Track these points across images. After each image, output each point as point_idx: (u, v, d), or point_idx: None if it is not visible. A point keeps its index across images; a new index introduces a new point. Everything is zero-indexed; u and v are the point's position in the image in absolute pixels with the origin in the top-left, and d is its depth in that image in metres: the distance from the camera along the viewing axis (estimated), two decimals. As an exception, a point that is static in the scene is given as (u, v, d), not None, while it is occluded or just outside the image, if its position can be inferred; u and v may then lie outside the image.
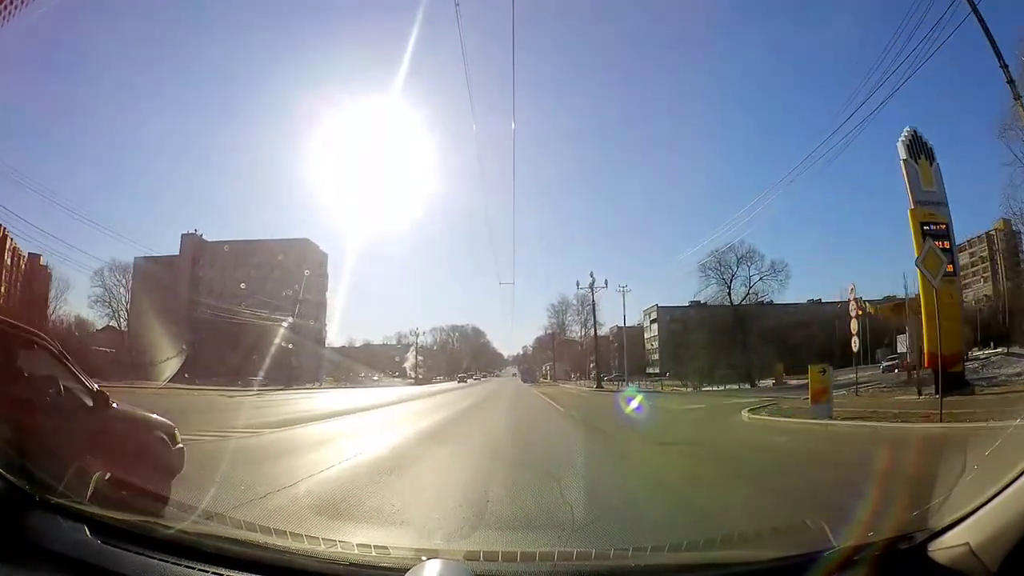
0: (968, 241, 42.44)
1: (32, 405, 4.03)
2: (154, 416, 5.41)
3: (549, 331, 64.09)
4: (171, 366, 30.89)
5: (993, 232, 41.68)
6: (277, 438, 10.98)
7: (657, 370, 51.54)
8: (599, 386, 43.97)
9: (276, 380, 38.41)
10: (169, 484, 4.75)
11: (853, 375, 19.03)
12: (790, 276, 40.89)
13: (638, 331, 55.36)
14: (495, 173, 79.65)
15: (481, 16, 41.86)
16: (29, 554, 2.02)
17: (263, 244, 50.82)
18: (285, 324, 42.35)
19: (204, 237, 52.29)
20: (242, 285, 48.08)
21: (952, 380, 15.06)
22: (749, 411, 15.23)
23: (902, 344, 23.82)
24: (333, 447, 9.70)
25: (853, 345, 18.41)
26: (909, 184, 17.81)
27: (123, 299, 48.48)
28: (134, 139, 66.75)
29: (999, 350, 28.27)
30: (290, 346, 42.74)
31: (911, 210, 17.63)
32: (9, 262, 38.86)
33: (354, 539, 3.01)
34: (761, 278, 40.14)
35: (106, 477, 2.89)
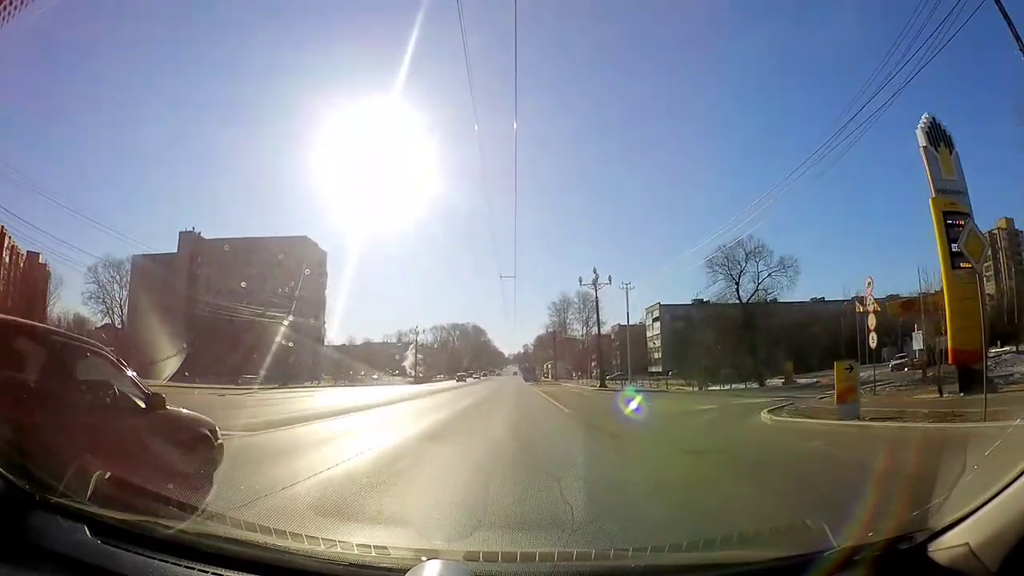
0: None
1: (91, 408, 4.56)
2: (198, 415, 5.89)
3: (550, 330, 64.06)
4: (170, 365, 30.85)
5: (996, 231, 41.62)
6: (272, 438, 10.98)
7: (659, 369, 51.25)
8: (603, 385, 43.30)
9: (273, 379, 38.28)
10: (213, 477, 5.27)
11: (863, 375, 18.89)
12: (799, 272, 39.41)
13: (640, 330, 55.15)
14: (495, 172, 79.57)
15: (481, 16, 41.83)
16: (29, 554, 2.02)
17: (262, 242, 50.74)
18: (283, 322, 42.34)
19: (202, 235, 52.25)
20: (243, 284, 48.05)
21: (975, 377, 14.48)
22: (768, 412, 14.37)
23: (917, 341, 23.23)
24: (332, 447, 9.70)
25: (871, 341, 17.74)
26: (929, 172, 17.08)
27: (117, 296, 48.40)
28: (133, 138, 66.53)
29: (1006, 348, 28.24)
30: (290, 344, 42.73)
31: (932, 199, 16.80)
32: (8, 260, 38.81)
33: (354, 539, 3.01)
34: (770, 274, 38.90)
35: (106, 476, 2.88)
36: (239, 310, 44.41)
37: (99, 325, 47.31)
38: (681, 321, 50.40)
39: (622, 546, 3.48)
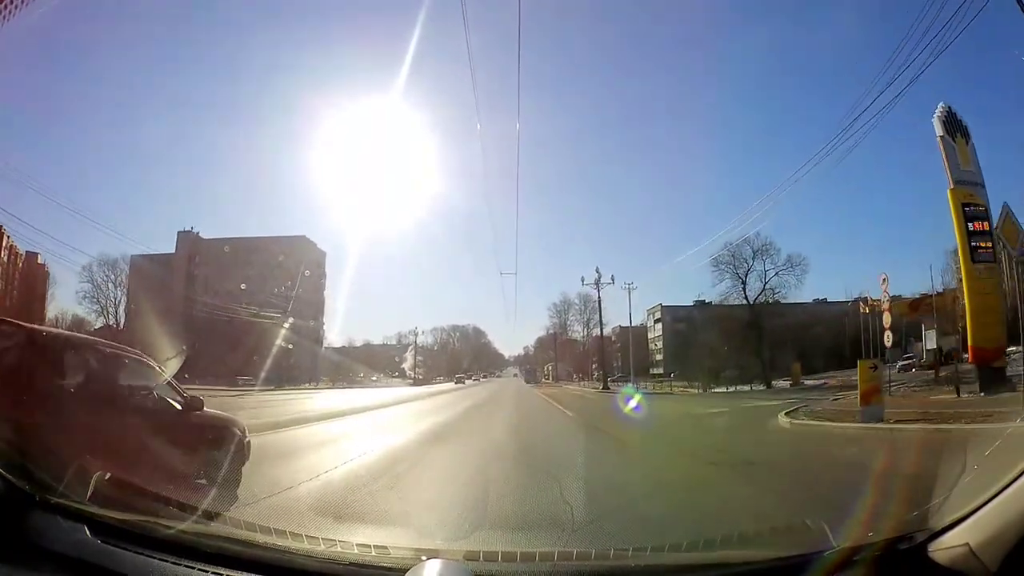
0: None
1: (137, 410, 5.14)
2: (229, 415, 6.56)
3: (551, 331, 63.94)
4: (170, 367, 30.64)
5: (998, 231, 41.61)
6: (271, 440, 10.96)
7: (661, 371, 50.95)
8: (605, 387, 42.51)
9: (270, 380, 38.03)
10: (241, 471, 5.70)
11: None
12: (807, 271, 38.07)
13: (641, 331, 54.91)
14: (494, 172, 79.50)
15: (481, 17, 41.76)
16: (29, 554, 2.02)
17: (260, 242, 50.62)
18: (281, 323, 42.15)
19: (200, 235, 52.16)
20: (242, 287, 47.95)
21: (995, 376, 14.16)
22: (786, 415, 13.55)
23: (931, 340, 22.60)
24: (330, 449, 9.69)
25: (886, 340, 16.49)
26: (947, 162, 16.27)
27: (112, 295, 48.26)
28: (133, 138, 66.13)
29: (1013, 348, 28.11)
30: (289, 346, 42.58)
31: (951, 190, 16.04)
32: (6, 260, 38.77)
33: (354, 539, 3.00)
34: (777, 273, 37.34)
35: (106, 476, 2.88)
36: (237, 311, 44.29)
37: (98, 326, 47.27)
38: (683, 322, 50.03)
39: (622, 546, 3.47)
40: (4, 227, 36.00)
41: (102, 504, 2.47)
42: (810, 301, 43.55)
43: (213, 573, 1.96)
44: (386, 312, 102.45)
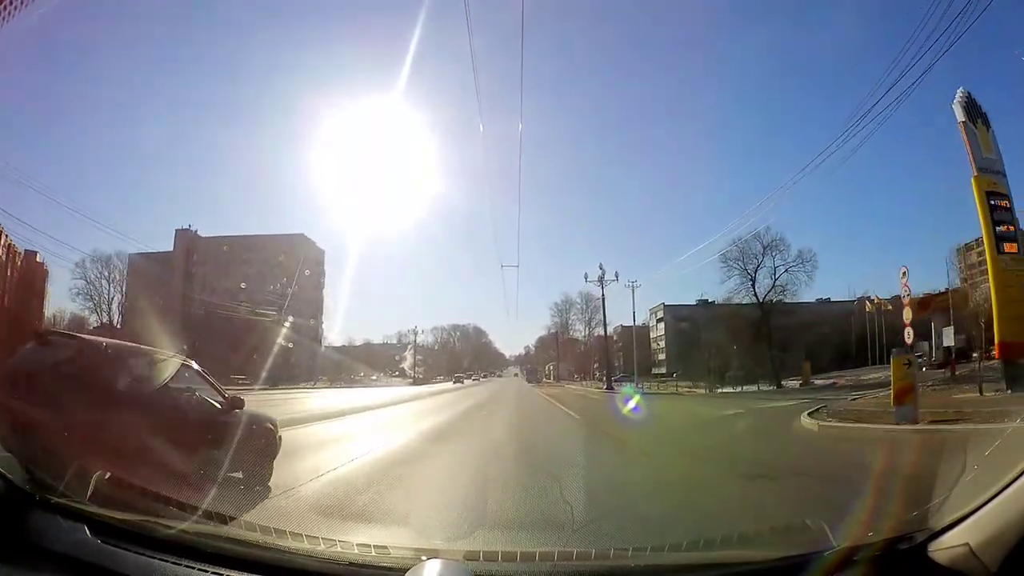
0: (975, 240, 42.15)
1: (181, 410, 5.72)
2: (264, 412, 7.14)
3: (552, 331, 63.85)
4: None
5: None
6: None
7: (664, 370, 50.87)
8: (609, 387, 41.48)
9: (267, 379, 37.76)
10: (272, 464, 6.28)
11: (879, 375, 17.48)
12: (817, 267, 36.84)
13: (643, 331, 54.88)
14: (495, 173, 79.56)
15: (480, 18, 41.85)
16: (29, 554, 2.02)
17: (258, 239, 50.62)
18: (278, 321, 42.06)
19: (198, 232, 52.12)
20: (242, 286, 47.97)
21: (1020, 372, 13.63)
22: (809, 416, 12.62)
23: (947, 338, 21.85)
24: (329, 451, 9.67)
25: (907, 337, 15.19)
26: (970, 149, 15.59)
27: (105, 292, 48.19)
28: (133, 138, 66.44)
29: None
30: (288, 345, 42.53)
31: (975, 177, 15.34)
32: (5, 259, 38.72)
33: (354, 539, 3.00)
34: (787, 269, 36.08)
35: (106, 476, 2.89)
36: (234, 308, 44.26)
37: (96, 325, 47.20)
38: (686, 322, 49.68)
39: (622, 546, 3.47)
40: (3, 226, 35.96)
41: (102, 504, 2.47)
42: (813, 301, 43.06)
43: (213, 573, 1.95)
44: (386, 311, 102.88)
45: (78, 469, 2.89)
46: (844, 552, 1.90)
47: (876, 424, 10.83)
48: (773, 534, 3.15)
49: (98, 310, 48.12)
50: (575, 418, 16.93)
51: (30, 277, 41.22)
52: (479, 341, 73.14)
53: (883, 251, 57.45)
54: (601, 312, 48.39)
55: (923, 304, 23.62)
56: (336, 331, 67.47)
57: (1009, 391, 13.35)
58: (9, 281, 39.09)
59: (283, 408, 20.19)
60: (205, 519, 2.83)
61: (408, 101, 54.01)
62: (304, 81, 65.73)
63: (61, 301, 48.91)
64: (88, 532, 2.12)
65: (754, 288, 36.29)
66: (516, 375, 71.60)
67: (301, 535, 2.60)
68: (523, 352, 77.30)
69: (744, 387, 32.28)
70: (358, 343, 62.96)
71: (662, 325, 55.51)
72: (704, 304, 46.15)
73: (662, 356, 54.76)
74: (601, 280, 44.03)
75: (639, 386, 38.42)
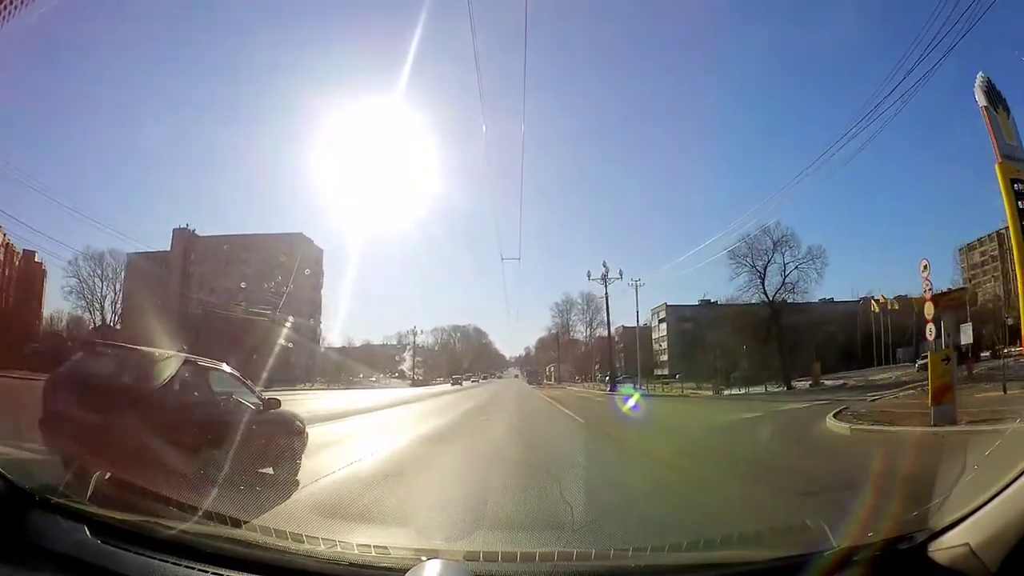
0: (978, 240, 42.04)
1: (220, 410, 6.23)
2: (293, 411, 7.63)
3: (552, 332, 63.63)
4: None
5: (1004, 230, 41.51)
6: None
7: (666, 371, 50.46)
8: (612, 388, 40.00)
9: (262, 380, 37.49)
10: (300, 459, 6.84)
11: (888, 375, 17.00)
12: (827, 264, 35.51)
13: (645, 331, 54.62)
14: (495, 172, 79.57)
15: (481, 18, 41.78)
16: (29, 554, 2.02)
17: (256, 239, 50.45)
18: (275, 320, 41.94)
19: (196, 232, 51.99)
20: (242, 285, 47.88)
21: None
22: (835, 418, 11.87)
23: (966, 335, 22.12)
24: (331, 451, 9.67)
25: (928, 334, 13.74)
26: (993, 134, 15.14)
27: (98, 290, 47.95)
28: (133, 138, 65.84)
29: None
30: (287, 345, 42.40)
31: (999, 164, 14.82)
32: (3, 259, 38.68)
33: (354, 539, 3.00)
34: (797, 266, 34.70)
35: (106, 476, 2.88)
36: (231, 308, 44.16)
37: (94, 325, 47.09)
38: (689, 322, 48.95)
39: (622, 546, 3.47)
40: (2, 226, 35.93)
41: (102, 504, 2.47)
42: (816, 301, 42.67)
43: (213, 573, 1.95)
44: (386, 312, 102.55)
45: (78, 468, 2.90)
46: (844, 552, 1.90)
47: (913, 426, 10.05)
48: (773, 534, 3.15)
49: (91, 309, 47.83)
50: (578, 421, 16.23)
51: (28, 277, 41.18)
52: (479, 342, 73.07)
53: (884, 251, 57.45)
54: (602, 312, 47.76)
55: (935, 301, 23.43)
56: (335, 332, 67.46)
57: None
58: (7, 281, 39.06)
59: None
60: (206, 520, 2.83)
61: (408, 101, 53.90)
62: (304, 81, 65.56)
63: (60, 303, 48.87)
64: (88, 532, 2.12)
65: (763, 285, 34.92)
66: (516, 376, 71.54)
67: (301, 535, 2.60)
68: (523, 353, 77.21)
69: (750, 388, 31.40)
70: (357, 344, 62.83)
71: (664, 326, 55.19)
72: (707, 304, 45.67)
73: (664, 357, 54.59)
74: (604, 278, 42.55)
75: (642, 388, 37.75)
